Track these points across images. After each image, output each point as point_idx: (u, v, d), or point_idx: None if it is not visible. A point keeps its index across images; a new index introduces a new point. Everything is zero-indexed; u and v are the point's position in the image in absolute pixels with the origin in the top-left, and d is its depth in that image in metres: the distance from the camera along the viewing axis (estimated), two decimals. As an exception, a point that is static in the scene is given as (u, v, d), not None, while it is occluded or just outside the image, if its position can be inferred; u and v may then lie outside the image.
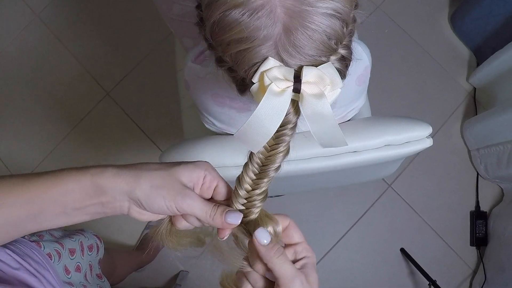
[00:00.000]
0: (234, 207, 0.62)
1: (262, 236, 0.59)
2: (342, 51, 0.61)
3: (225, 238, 0.63)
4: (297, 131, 0.62)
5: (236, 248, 0.65)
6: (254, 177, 0.62)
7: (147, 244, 1.92)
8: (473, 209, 1.99)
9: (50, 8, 2.18)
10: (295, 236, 0.63)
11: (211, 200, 0.64)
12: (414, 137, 0.98)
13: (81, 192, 0.59)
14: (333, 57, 0.60)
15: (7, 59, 2.15)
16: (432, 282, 1.75)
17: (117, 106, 2.09)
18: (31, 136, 2.09)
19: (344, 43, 0.61)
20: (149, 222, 1.99)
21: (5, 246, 0.90)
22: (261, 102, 0.55)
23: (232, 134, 1.05)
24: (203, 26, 0.63)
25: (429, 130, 0.99)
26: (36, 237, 1.05)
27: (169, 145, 1.04)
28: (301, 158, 0.96)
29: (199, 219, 0.62)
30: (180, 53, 1.47)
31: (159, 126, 2.07)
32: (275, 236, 0.61)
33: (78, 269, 1.12)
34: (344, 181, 1.49)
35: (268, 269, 0.59)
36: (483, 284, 1.85)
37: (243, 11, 0.56)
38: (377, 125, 0.99)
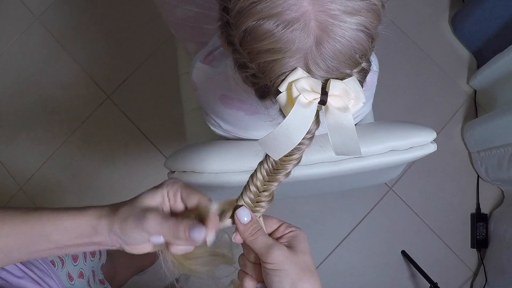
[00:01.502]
0: (242, 202, 0.65)
1: (243, 215, 0.64)
2: (364, 64, 0.62)
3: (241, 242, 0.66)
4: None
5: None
6: (267, 178, 0.65)
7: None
8: (474, 211, 1.99)
9: (50, 11, 2.17)
10: (271, 223, 0.67)
11: (185, 212, 0.65)
12: (419, 143, 0.98)
13: (75, 231, 0.62)
14: (355, 70, 0.61)
15: (7, 61, 2.15)
16: (433, 284, 1.75)
17: (118, 109, 2.08)
18: (32, 139, 2.09)
19: (367, 56, 0.63)
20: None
21: None
22: (290, 113, 0.56)
23: (238, 137, 1.05)
24: (229, 30, 0.63)
25: (433, 135, 0.99)
26: None
27: (173, 151, 1.03)
28: (306, 164, 0.96)
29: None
30: (182, 56, 1.47)
31: (160, 129, 2.07)
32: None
33: (81, 275, 1.12)
34: (347, 186, 1.49)
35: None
36: (484, 286, 1.85)
37: (277, 22, 0.56)
38: (382, 131, 0.99)
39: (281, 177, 0.64)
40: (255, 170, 0.65)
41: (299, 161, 0.64)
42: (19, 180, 2.06)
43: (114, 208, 0.62)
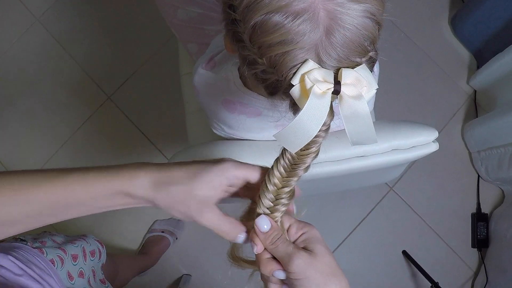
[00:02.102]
0: (262, 203, 0.64)
1: (262, 223, 0.63)
2: (371, 53, 0.62)
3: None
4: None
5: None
6: (285, 174, 0.64)
7: (149, 248, 1.92)
8: (474, 211, 2.00)
9: (51, 12, 2.17)
10: (284, 222, 0.65)
11: (245, 189, 0.68)
12: (421, 142, 0.98)
13: (108, 196, 0.62)
14: (364, 58, 0.61)
15: (8, 63, 2.15)
16: (434, 284, 1.75)
17: (118, 110, 2.08)
18: (32, 140, 2.09)
19: (375, 44, 0.63)
20: (151, 226, 1.98)
21: (8, 253, 0.90)
22: (306, 104, 0.56)
23: (241, 139, 1.05)
24: (235, 27, 0.63)
25: (435, 134, 1.00)
26: (39, 243, 1.05)
27: (174, 152, 1.03)
28: (308, 163, 0.96)
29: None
30: (184, 57, 1.47)
31: (161, 130, 2.07)
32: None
33: (81, 274, 1.12)
34: (349, 186, 1.49)
35: (274, 267, 0.62)
36: (485, 286, 1.85)
37: (286, 14, 0.56)
38: (384, 130, 0.99)
39: (300, 171, 0.63)
40: (272, 167, 0.64)
41: (317, 154, 0.64)
42: (20, 181, 2.05)
43: (159, 178, 0.63)
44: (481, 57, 2.02)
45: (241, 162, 0.66)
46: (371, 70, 0.64)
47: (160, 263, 1.94)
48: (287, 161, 0.64)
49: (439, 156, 1.98)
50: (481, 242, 1.96)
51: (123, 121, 2.08)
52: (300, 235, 0.64)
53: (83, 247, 1.19)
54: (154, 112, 2.08)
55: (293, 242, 0.63)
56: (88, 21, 2.16)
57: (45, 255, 1.01)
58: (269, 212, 0.64)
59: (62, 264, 1.04)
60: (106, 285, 1.26)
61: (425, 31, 2.12)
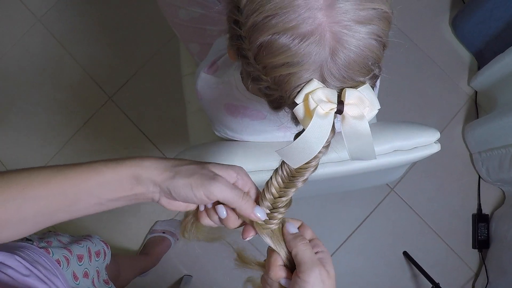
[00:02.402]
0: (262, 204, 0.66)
1: (291, 227, 0.65)
2: (375, 70, 0.62)
3: (248, 239, 0.66)
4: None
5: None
6: (282, 185, 0.65)
7: (150, 248, 1.92)
8: (475, 212, 2.00)
9: (52, 12, 2.18)
10: (307, 233, 0.66)
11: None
12: (422, 143, 0.98)
13: (117, 184, 0.61)
14: (367, 77, 0.61)
15: (9, 63, 2.15)
16: (435, 285, 1.75)
17: (119, 111, 2.09)
18: (34, 140, 2.09)
19: (379, 64, 0.63)
20: (152, 226, 1.99)
21: (14, 253, 0.90)
22: (309, 125, 0.57)
23: (244, 141, 1.05)
24: (240, 43, 0.63)
25: (437, 135, 1.00)
26: (45, 243, 1.05)
27: (175, 153, 1.04)
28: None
29: (231, 211, 0.65)
30: (185, 57, 1.47)
31: (162, 131, 2.07)
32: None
33: (86, 275, 1.12)
34: (350, 187, 1.49)
35: (282, 274, 0.63)
36: (486, 286, 1.85)
37: (293, 36, 0.56)
38: (386, 131, 0.99)
39: (298, 183, 0.65)
40: (270, 177, 0.66)
41: (316, 168, 0.65)
42: (21, 181, 2.06)
43: (170, 164, 0.62)
44: (482, 57, 2.02)
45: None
46: (373, 85, 0.64)
47: (161, 264, 1.94)
48: (285, 173, 0.65)
49: (440, 157, 1.98)
50: (481, 243, 1.96)
51: (124, 122, 2.08)
52: (318, 252, 0.64)
53: (88, 248, 1.20)
54: (155, 112, 2.08)
55: None
56: (89, 21, 2.17)
57: (51, 255, 1.01)
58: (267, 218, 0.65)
59: (68, 264, 1.05)
60: (110, 286, 1.27)
61: (425, 32, 2.12)
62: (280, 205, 0.65)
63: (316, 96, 0.57)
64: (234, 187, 0.62)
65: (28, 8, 2.18)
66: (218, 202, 0.64)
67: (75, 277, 1.06)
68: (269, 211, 0.65)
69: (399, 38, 2.07)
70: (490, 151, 1.87)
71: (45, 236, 1.11)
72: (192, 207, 0.67)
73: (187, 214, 0.70)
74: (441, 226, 1.99)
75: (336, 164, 0.96)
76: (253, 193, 0.67)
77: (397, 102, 2.06)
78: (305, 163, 0.62)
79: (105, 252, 1.29)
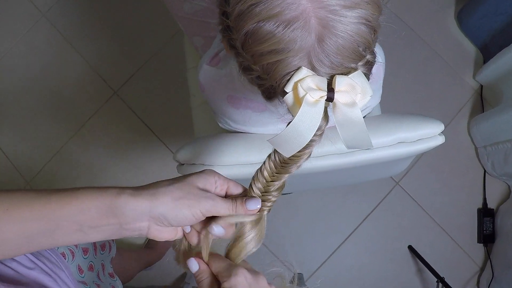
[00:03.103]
0: (251, 192, 0.66)
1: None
2: (368, 56, 0.62)
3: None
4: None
5: None
6: (275, 170, 0.65)
7: (155, 242, 1.92)
8: (480, 206, 2.00)
9: (57, 7, 2.18)
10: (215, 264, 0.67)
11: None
12: (427, 134, 0.98)
13: (97, 211, 0.59)
14: (360, 63, 0.61)
15: (14, 58, 2.16)
16: (440, 279, 1.75)
17: (124, 105, 2.09)
18: (39, 135, 2.10)
19: (371, 49, 0.62)
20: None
21: None
22: (298, 113, 0.56)
23: (247, 132, 1.05)
24: (230, 34, 0.63)
25: (441, 127, 0.99)
26: None
27: (182, 144, 1.04)
28: (314, 156, 0.96)
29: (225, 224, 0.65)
30: (190, 51, 1.47)
31: (167, 125, 2.07)
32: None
33: (91, 268, 1.13)
34: (355, 180, 1.49)
35: None
36: (491, 281, 1.85)
37: (277, 23, 0.56)
38: (390, 123, 0.99)
39: (292, 169, 0.64)
40: (264, 162, 0.66)
41: (310, 155, 0.64)
42: (26, 175, 2.07)
43: (147, 189, 0.61)
44: (487, 51, 2.01)
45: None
46: (369, 73, 0.64)
47: (166, 258, 1.94)
48: (277, 159, 0.64)
49: (445, 151, 1.99)
50: (487, 237, 1.95)
51: (130, 116, 2.09)
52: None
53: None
54: (160, 106, 2.09)
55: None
56: (94, 16, 2.17)
57: (56, 248, 1.01)
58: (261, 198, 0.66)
59: (73, 258, 1.05)
60: (115, 279, 1.27)
61: (431, 26, 2.12)
62: (272, 189, 0.65)
63: (305, 84, 0.57)
64: (224, 200, 0.63)
65: (33, 3, 2.19)
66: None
67: (80, 270, 1.06)
68: (261, 194, 0.66)
69: (405, 32, 2.08)
70: (496, 145, 1.86)
71: None
72: (180, 234, 0.66)
73: (174, 245, 0.69)
74: (446, 220, 1.99)
75: (339, 156, 0.96)
76: (232, 187, 0.66)
77: (402, 96, 2.06)
78: (300, 151, 0.62)
79: (110, 245, 1.29)
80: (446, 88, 2.07)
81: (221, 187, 0.65)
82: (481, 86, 2.07)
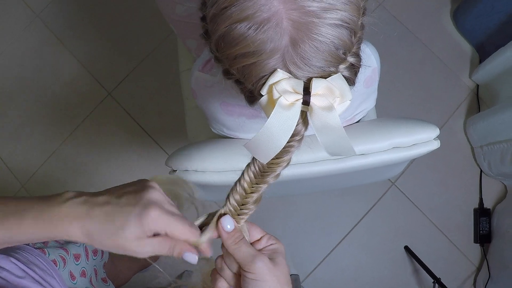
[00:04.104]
0: (229, 204, 0.64)
1: (226, 222, 0.62)
2: (351, 59, 0.60)
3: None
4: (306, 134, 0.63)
5: None
6: (254, 180, 0.63)
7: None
8: (477, 206, 1.99)
9: (51, 8, 2.17)
10: (255, 232, 0.66)
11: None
12: (422, 139, 0.98)
13: (43, 235, 0.59)
14: (342, 66, 0.59)
15: (8, 59, 2.15)
16: (436, 279, 1.75)
17: (119, 106, 2.08)
18: (33, 136, 2.09)
19: (352, 51, 0.61)
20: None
21: (10, 254, 0.90)
22: (270, 116, 0.55)
23: (240, 138, 1.04)
24: (209, 38, 0.63)
25: (436, 132, 0.99)
26: (41, 243, 1.04)
27: (175, 148, 1.03)
28: (309, 161, 0.96)
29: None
30: (183, 53, 1.46)
31: (161, 126, 2.06)
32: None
33: (83, 274, 1.12)
34: (350, 183, 1.48)
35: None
36: (487, 281, 1.85)
37: (249, 25, 0.55)
38: (385, 128, 0.99)
39: (270, 179, 0.63)
40: (242, 173, 0.64)
41: (288, 163, 0.63)
42: (21, 178, 2.06)
43: (85, 211, 0.58)
44: (484, 51, 2.00)
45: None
46: (353, 77, 0.62)
47: (161, 260, 1.94)
48: (257, 168, 0.63)
49: (441, 151, 1.96)
50: (483, 237, 1.95)
51: (124, 117, 2.08)
52: (269, 245, 0.64)
53: (85, 247, 1.19)
54: (154, 107, 2.08)
55: (260, 250, 0.64)
56: (88, 17, 2.16)
57: (47, 255, 1.00)
58: (234, 214, 0.64)
59: (64, 264, 1.04)
60: (108, 284, 1.26)
61: (426, 25, 2.11)
62: (250, 201, 0.63)
63: (280, 87, 0.56)
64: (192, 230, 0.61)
65: (27, 4, 2.18)
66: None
67: (72, 276, 1.06)
68: (237, 207, 0.64)
69: (401, 32, 2.07)
70: (492, 145, 1.86)
71: None
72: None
73: None
74: (442, 220, 1.98)
75: (334, 162, 0.96)
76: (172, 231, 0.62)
77: (398, 96, 2.05)
78: (277, 158, 0.61)
79: (102, 251, 1.28)
80: (442, 87, 2.07)
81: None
82: (477, 86, 2.06)
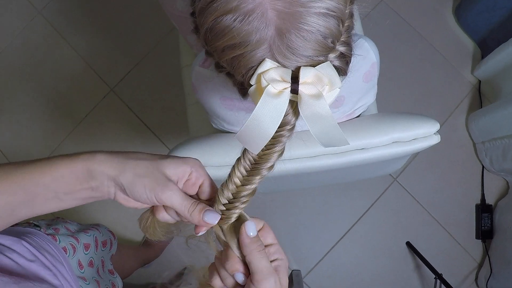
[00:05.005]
0: (219, 201, 0.62)
1: (250, 228, 0.60)
2: (341, 48, 0.61)
3: (200, 234, 0.64)
4: (300, 130, 0.63)
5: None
6: (245, 173, 0.62)
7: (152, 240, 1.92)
8: (479, 202, 1.99)
9: (52, 5, 2.17)
10: (268, 237, 0.63)
11: (194, 197, 0.65)
12: (422, 134, 0.98)
13: (71, 177, 0.60)
14: (331, 55, 0.60)
15: (10, 56, 2.15)
16: (438, 275, 1.75)
17: (121, 102, 2.08)
18: (36, 133, 2.09)
19: (342, 40, 0.61)
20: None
21: (22, 238, 0.90)
22: (258, 104, 0.55)
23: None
24: (198, 33, 0.63)
25: (436, 126, 0.99)
26: (52, 230, 1.05)
27: (177, 143, 1.03)
28: (309, 156, 0.96)
29: (178, 213, 0.63)
30: (185, 48, 1.47)
31: (163, 121, 2.07)
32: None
33: (91, 264, 1.12)
34: (351, 178, 1.48)
35: (239, 268, 0.60)
36: (489, 277, 1.85)
37: (234, 17, 0.56)
38: (385, 122, 0.99)
39: (263, 171, 0.62)
40: (233, 166, 0.63)
41: (282, 153, 0.62)
42: (24, 173, 2.06)
43: (121, 155, 0.61)
44: (486, 46, 2.00)
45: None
46: (344, 67, 0.62)
47: (164, 255, 1.94)
48: (247, 161, 0.62)
49: (443, 147, 1.98)
50: (485, 233, 1.95)
51: (126, 113, 2.08)
52: (275, 260, 0.62)
53: (95, 237, 1.20)
54: (157, 103, 2.08)
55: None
56: (89, 13, 2.16)
57: (57, 242, 1.01)
58: (224, 209, 0.62)
59: (74, 253, 1.04)
60: (115, 276, 1.27)
61: (429, 21, 2.10)
62: (243, 194, 0.62)
63: (268, 76, 0.56)
64: (183, 198, 0.61)
65: (29, 0, 2.18)
66: None
67: (80, 265, 1.06)
68: (227, 202, 0.62)
69: (403, 28, 2.07)
70: (494, 140, 1.85)
71: (53, 223, 1.11)
72: (148, 206, 0.66)
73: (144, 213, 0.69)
74: (444, 216, 1.98)
75: (334, 156, 0.96)
76: (206, 185, 0.65)
77: (400, 91, 2.05)
78: (268, 149, 0.60)
79: (111, 242, 1.29)
80: (444, 83, 2.06)
81: (195, 180, 0.64)
82: (479, 82, 2.06)
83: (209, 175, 0.65)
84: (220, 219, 0.62)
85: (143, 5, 2.14)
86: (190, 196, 0.64)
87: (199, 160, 0.65)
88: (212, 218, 0.61)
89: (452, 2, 2.11)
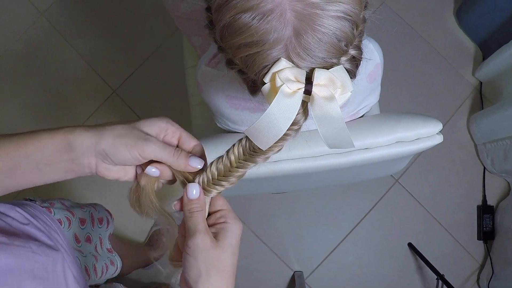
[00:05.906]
0: (208, 170, 0.65)
1: (190, 191, 0.64)
2: (352, 52, 0.62)
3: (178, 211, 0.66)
4: (306, 129, 0.64)
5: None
6: (242, 157, 0.65)
7: (155, 241, 1.92)
8: (480, 203, 2.00)
9: (55, 6, 2.18)
10: (217, 204, 0.66)
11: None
12: (425, 134, 0.98)
13: (52, 148, 0.62)
14: (343, 58, 0.61)
15: (13, 58, 2.15)
16: (440, 276, 1.75)
17: (124, 104, 2.09)
18: (38, 134, 2.09)
19: (354, 43, 0.62)
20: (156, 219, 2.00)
21: (15, 205, 0.90)
22: (272, 102, 0.56)
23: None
24: (213, 29, 0.64)
25: (439, 126, 0.99)
26: (47, 204, 1.05)
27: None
28: (312, 156, 0.96)
29: (164, 166, 0.65)
30: (188, 50, 1.47)
31: (166, 123, 2.07)
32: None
33: (88, 239, 1.12)
34: (353, 179, 1.49)
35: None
36: (491, 278, 1.85)
37: (253, 15, 0.57)
38: (388, 122, 0.99)
39: (259, 160, 0.65)
40: (233, 146, 0.66)
41: (281, 148, 0.64)
42: (27, 175, 2.07)
43: (98, 126, 0.63)
44: (487, 48, 2.00)
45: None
46: (354, 70, 0.63)
47: (163, 257, 1.94)
48: (247, 146, 0.65)
49: (444, 148, 1.99)
50: (487, 234, 1.95)
51: (129, 115, 2.08)
52: (220, 222, 0.64)
53: (91, 213, 1.20)
54: (159, 105, 2.09)
55: (211, 224, 0.64)
56: (92, 15, 2.17)
57: (52, 214, 1.01)
58: (206, 185, 0.65)
59: (69, 225, 1.04)
60: (113, 254, 1.27)
61: (430, 23, 2.11)
62: (232, 175, 0.65)
63: (283, 75, 0.57)
64: (165, 146, 0.63)
65: (32, 2, 2.18)
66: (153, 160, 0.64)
67: (76, 239, 1.06)
68: (211, 178, 0.65)
69: (404, 29, 2.07)
70: (495, 142, 1.86)
71: (48, 199, 1.11)
72: (130, 175, 0.67)
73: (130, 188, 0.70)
74: (446, 217, 1.99)
75: (336, 156, 0.96)
76: (185, 136, 0.67)
77: (402, 93, 2.06)
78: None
79: (108, 221, 1.29)
80: (445, 85, 2.07)
81: (172, 135, 0.66)
82: (481, 83, 2.06)
83: (184, 130, 0.67)
84: (205, 190, 0.65)
85: (146, 7, 2.15)
86: None
87: (170, 119, 0.67)
88: (197, 162, 0.64)
89: (453, 4, 2.12)
